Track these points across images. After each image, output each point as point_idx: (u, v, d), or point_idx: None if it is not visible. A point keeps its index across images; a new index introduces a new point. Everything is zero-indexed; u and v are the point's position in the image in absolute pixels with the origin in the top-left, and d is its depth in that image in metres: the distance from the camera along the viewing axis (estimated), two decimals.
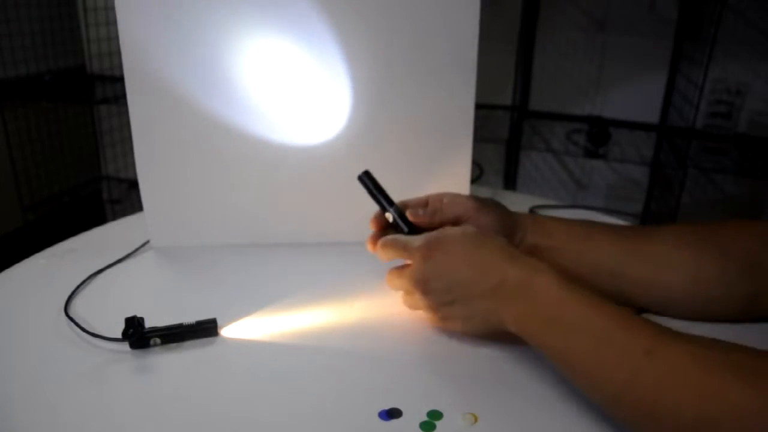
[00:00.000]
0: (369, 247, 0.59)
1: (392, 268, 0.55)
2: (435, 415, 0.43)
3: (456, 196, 0.58)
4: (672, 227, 0.57)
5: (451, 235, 0.51)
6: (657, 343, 0.38)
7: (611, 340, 0.40)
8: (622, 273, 0.56)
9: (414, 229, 0.57)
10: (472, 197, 0.58)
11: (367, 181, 0.59)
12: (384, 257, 0.55)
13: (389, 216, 0.57)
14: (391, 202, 0.58)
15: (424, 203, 0.58)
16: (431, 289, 0.50)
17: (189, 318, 0.53)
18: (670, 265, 0.54)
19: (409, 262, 0.53)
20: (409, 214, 0.57)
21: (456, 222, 0.57)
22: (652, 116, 1.72)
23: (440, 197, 0.58)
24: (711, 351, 0.36)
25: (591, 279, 0.57)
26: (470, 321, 0.50)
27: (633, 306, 0.57)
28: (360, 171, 0.60)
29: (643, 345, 0.38)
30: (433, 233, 0.52)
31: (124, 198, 2.04)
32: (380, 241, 0.55)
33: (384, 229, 0.59)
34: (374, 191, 0.58)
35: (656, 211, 1.69)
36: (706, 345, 0.37)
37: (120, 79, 0.65)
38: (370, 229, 0.60)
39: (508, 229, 0.57)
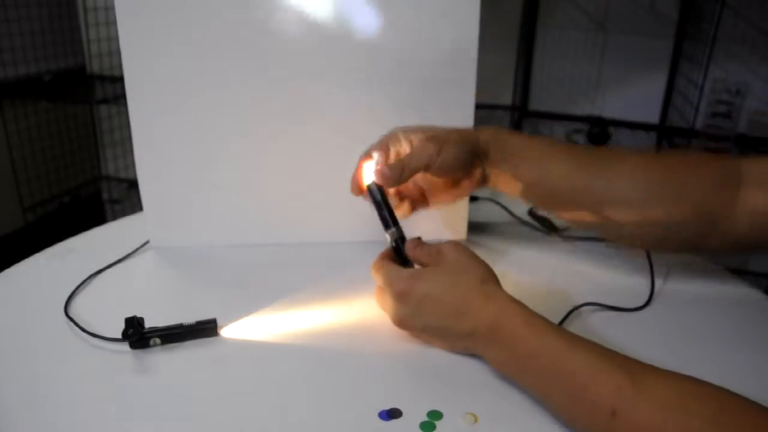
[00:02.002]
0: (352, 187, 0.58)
1: (378, 286, 0.55)
2: (435, 415, 0.43)
3: (416, 142, 0.57)
4: (631, 160, 0.57)
5: (428, 273, 0.50)
6: (621, 403, 0.38)
7: (579, 397, 0.40)
8: (579, 206, 0.57)
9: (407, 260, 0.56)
10: (432, 138, 0.56)
11: (376, 193, 0.57)
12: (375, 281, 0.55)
13: (388, 236, 0.56)
14: (395, 221, 0.56)
15: (383, 147, 0.58)
16: (408, 328, 0.51)
17: (189, 318, 0.53)
18: (625, 202, 0.56)
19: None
20: (375, 176, 0.56)
21: (425, 170, 0.57)
22: (652, 116, 1.72)
23: (399, 137, 0.58)
24: (672, 414, 0.36)
25: (549, 203, 0.59)
26: (453, 349, 0.51)
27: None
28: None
29: (609, 405, 0.38)
30: (408, 274, 0.51)
31: (124, 198, 2.04)
32: (372, 265, 0.55)
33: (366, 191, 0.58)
34: (380, 205, 0.57)
35: None
36: (668, 404, 0.37)
37: (120, 79, 0.65)
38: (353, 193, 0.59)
39: (471, 159, 0.57)
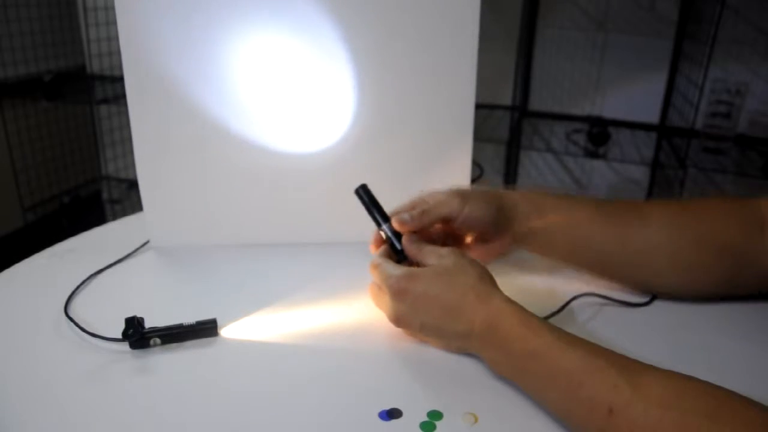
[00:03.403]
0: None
1: (371, 284, 0.55)
2: (435, 415, 0.43)
3: (441, 196, 0.57)
4: (654, 210, 0.59)
5: (425, 273, 0.50)
6: (618, 401, 0.38)
7: (576, 396, 0.40)
8: (608, 256, 0.58)
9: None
10: (458, 193, 0.57)
11: (363, 194, 0.58)
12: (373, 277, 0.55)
13: (382, 233, 0.57)
14: (386, 218, 0.57)
15: (410, 207, 0.58)
16: (404, 325, 0.52)
17: (189, 318, 0.53)
18: (651, 250, 0.57)
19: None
20: (394, 222, 0.56)
21: (446, 221, 0.57)
22: (652, 116, 1.72)
23: (425, 198, 0.58)
24: (668, 412, 0.37)
25: (581, 259, 0.60)
26: (448, 349, 0.51)
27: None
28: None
29: (606, 403, 0.38)
30: (406, 272, 0.51)
31: (124, 198, 2.04)
32: (370, 263, 0.55)
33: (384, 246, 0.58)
34: (369, 206, 0.58)
35: None
36: (665, 402, 0.37)
37: (120, 79, 0.65)
38: (371, 252, 0.59)
39: (501, 218, 0.57)
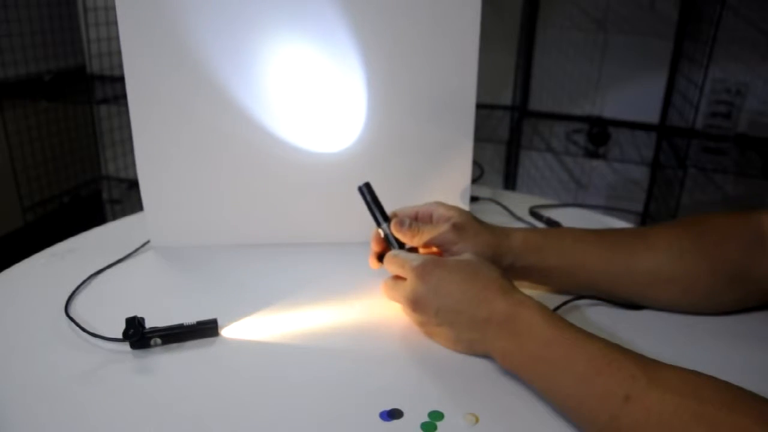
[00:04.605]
0: (371, 264, 0.60)
1: (387, 278, 0.56)
2: (436, 415, 0.43)
3: (441, 223, 0.58)
4: (663, 236, 0.57)
5: (449, 261, 0.51)
6: (635, 389, 0.38)
7: (592, 383, 0.41)
8: (615, 290, 0.58)
9: (403, 246, 0.58)
10: (456, 226, 0.57)
11: (366, 192, 0.59)
12: (390, 271, 0.56)
13: (381, 231, 0.58)
14: (386, 217, 0.58)
15: (413, 216, 0.59)
16: (421, 308, 0.51)
17: (189, 318, 0.53)
18: (661, 281, 0.56)
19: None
20: (393, 225, 0.57)
21: (440, 248, 0.57)
22: (652, 116, 1.72)
23: (430, 212, 0.59)
24: (685, 400, 0.37)
25: (586, 292, 0.59)
26: (456, 344, 0.51)
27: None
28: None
29: (622, 390, 0.39)
30: (433, 257, 0.52)
31: (124, 198, 2.04)
32: (386, 256, 0.56)
33: (385, 247, 0.60)
34: (371, 204, 0.59)
35: (656, 211, 1.69)
36: (682, 391, 0.37)
37: (120, 79, 0.65)
38: (372, 247, 0.60)
39: (492, 256, 0.56)
